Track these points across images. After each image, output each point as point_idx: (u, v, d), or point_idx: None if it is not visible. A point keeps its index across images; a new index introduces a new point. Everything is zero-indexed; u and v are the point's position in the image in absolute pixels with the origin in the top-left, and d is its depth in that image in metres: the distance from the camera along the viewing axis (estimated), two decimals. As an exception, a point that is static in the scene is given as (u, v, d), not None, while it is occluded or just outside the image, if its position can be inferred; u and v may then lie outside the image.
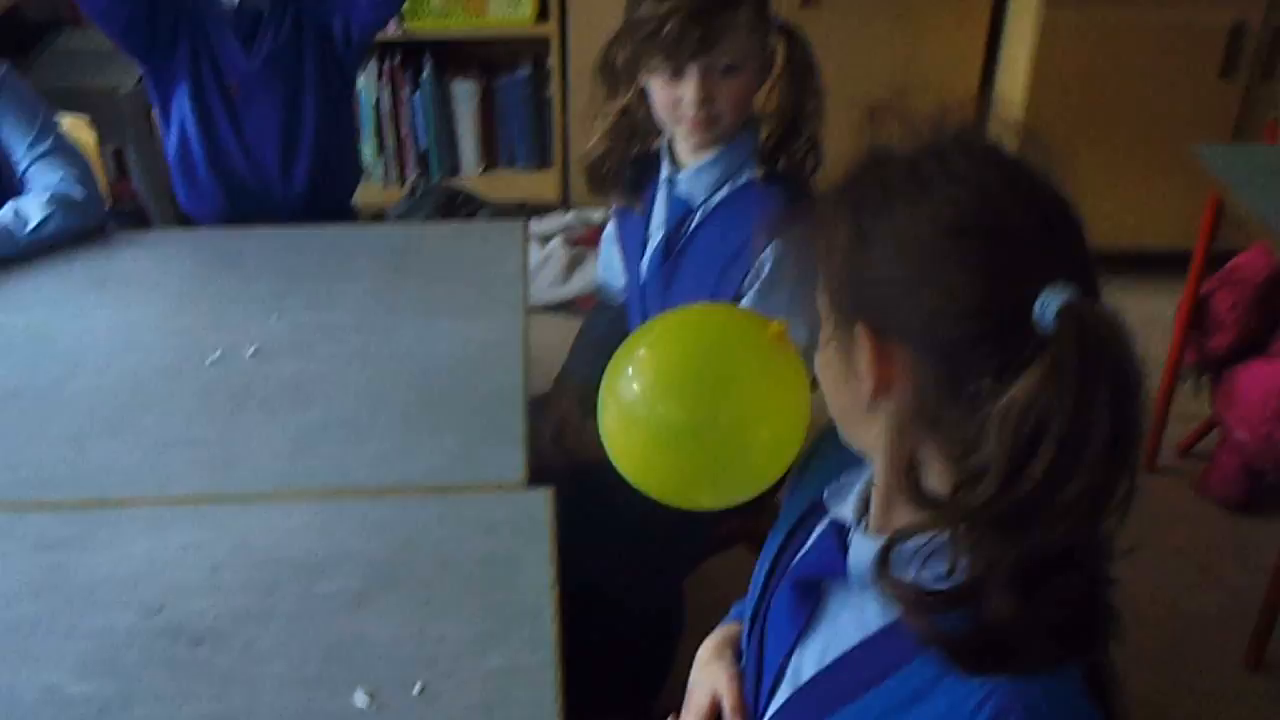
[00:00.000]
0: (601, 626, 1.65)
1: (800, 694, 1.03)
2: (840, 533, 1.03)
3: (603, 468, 1.82)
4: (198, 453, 1.52)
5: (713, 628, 1.30)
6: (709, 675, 1.20)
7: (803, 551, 1.08)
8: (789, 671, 1.05)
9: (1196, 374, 2.70)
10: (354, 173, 2.42)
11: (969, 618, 0.84)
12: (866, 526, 1.00)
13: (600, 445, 1.82)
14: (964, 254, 0.86)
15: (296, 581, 1.32)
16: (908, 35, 3.40)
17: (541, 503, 1.43)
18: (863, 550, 0.97)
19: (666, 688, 1.78)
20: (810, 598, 1.05)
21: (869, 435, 0.96)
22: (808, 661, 1.03)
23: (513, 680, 1.20)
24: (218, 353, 1.71)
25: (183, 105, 2.19)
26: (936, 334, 0.86)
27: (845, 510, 1.02)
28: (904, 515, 0.92)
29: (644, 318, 1.87)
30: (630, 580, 1.74)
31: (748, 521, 1.91)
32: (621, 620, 1.72)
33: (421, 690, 1.18)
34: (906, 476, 0.91)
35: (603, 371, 1.96)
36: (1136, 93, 3.26)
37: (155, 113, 2.27)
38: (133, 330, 1.77)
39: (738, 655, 1.17)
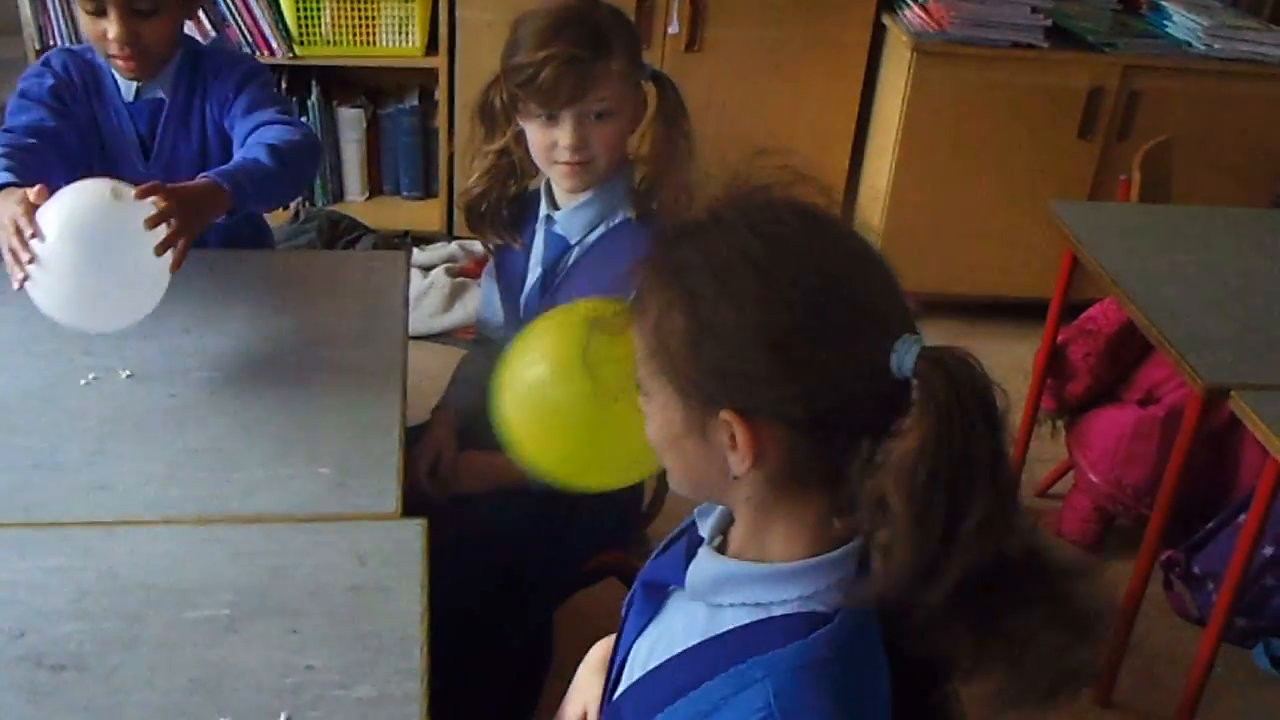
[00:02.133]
0: (471, 657, 1.66)
1: (629, 692, 1.10)
2: (694, 545, 1.09)
3: (477, 500, 1.84)
4: (67, 476, 1.50)
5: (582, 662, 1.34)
6: (587, 686, 1.27)
7: (657, 555, 1.16)
8: (627, 667, 1.13)
9: (1053, 419, 2.82)
10: (263, 229, 2.30)
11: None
12: (719, 546, 1.06)
13: (477, 473, 1.86)
14: (818, 335, 0.91)
15: (164, 609, 1.30)
16: (786, 84, 3.52)
17: (415, 533, 1.43)
18: (703, 566, 1.05)
19: (534, 718, 1.79)
20: (654, 599, 1.12)
21: (731, 498, 1.01)
22: (639, 659, 1.10)
23: (380, 710, 1.20)
24: (91, 375, 1.68)
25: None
26: (805, 410, 0.91)
27: (705, 527, 1.09)
28: (777, 546, 0.99)
29: (522, 353, 1.90)
30: (500, 611, 1.75)
31: (619, 555, 1.94)
32: (491, 651, 1.73)
33: None
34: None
35: (481, 405, 1.99)
36: (1001, 148, 3.42)
37: None
38: (3, 350, 1.73)
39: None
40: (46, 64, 1.99)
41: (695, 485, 1.03)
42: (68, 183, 1.84)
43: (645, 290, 0.98)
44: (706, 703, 0.98)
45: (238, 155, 1.89)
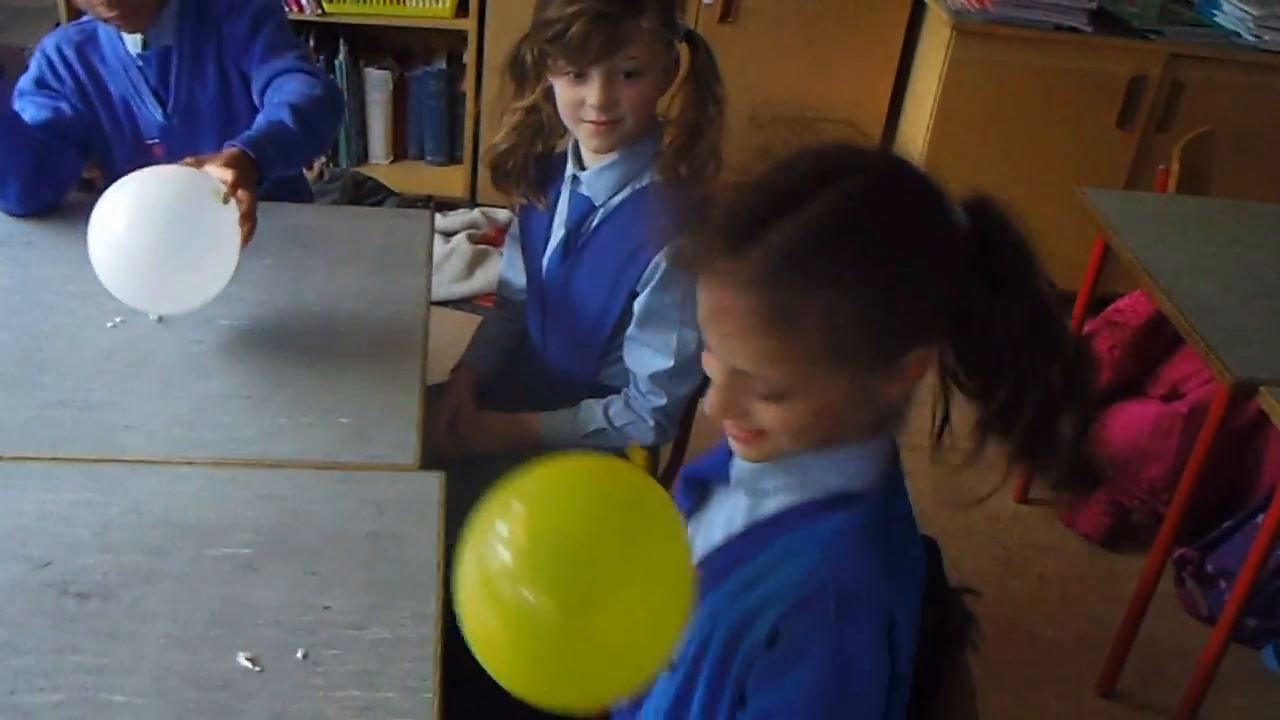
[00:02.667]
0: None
1: None
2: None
3: (495, 457, 1.90)
4: (94, 414, 1.57)
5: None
6: None
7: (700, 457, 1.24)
8: None
9: (1074, 410, 2.85)
10: (298, 179, 2.36)
11: None
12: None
13: (494, 433, 1.92)
14: (939, 237, 1.03)
15: (186, 545, 1.37)
16: (821, 58, 3.54)
17: (433, 485, 1.50)
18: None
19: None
20: (694, 494, 1.21)
21: (856, 429, 1.09)
22: None
23: (395, 651, 1.26)
24: (119, 319, 1.74)
25: (79, 163, 2.06)
26: (951, 306, 1.03)
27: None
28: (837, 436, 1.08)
29: (543, 313, 1.96)
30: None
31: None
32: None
33: (304, 656, 1.24)
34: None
35: (498, 367, 2.04)
36: (1037, 133, 3.42)
37: None
38: (34, 289, 1.80)
39: None
40: (42, 52, 2.04)
41: (824, 438, 1.08)
42: (80, 163, 1.94)
43: (783, 300, 0.99)
44: (754, 572, 1.07)
45: (260, 115, 1.93)
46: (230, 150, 1.76)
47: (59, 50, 2.04)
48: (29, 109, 2.01)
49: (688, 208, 1.11)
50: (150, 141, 2.10)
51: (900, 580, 1.07)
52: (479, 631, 1.01)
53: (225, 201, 1.65)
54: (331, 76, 3.60)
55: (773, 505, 1.12)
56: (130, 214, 1.61)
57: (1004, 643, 2.49)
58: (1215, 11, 3.51)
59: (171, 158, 1.95)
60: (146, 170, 1.66)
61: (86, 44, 2.04)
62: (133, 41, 2.02)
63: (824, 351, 0.99)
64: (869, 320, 0.99)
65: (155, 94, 2.06)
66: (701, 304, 1.04)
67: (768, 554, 1.09)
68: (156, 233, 1.61)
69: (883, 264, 0.99)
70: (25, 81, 2.04)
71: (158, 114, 2.07)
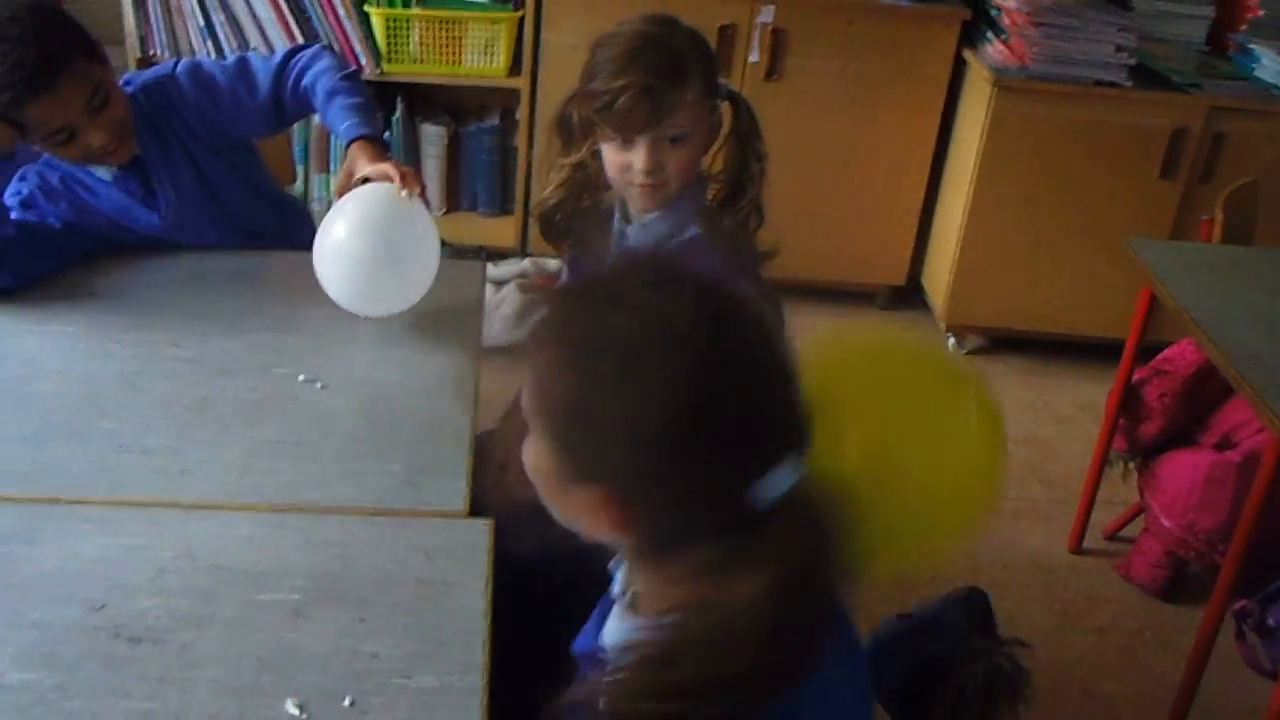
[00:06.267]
0: (527, 665, 1.69)
1: None
2: (609, 606, 1.12)
3: (539, 507, 1.87)
4: (150, 460, 1.56)
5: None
6: None
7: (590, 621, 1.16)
8: None
9: (1125, 460, 2.79)
10: (297, 208, 2.37)
11: None
12: (634, 597, 1.08)
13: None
14: (694, 445, 0.93)
15: (237, 590, 1.35)
16: (865, 115, 3.52)
17: (481, 532, 1.48)
18: (613, 627, 1.08)
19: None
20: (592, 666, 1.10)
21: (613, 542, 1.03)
22: None
23: (441, 699, 1.23)
24: (177, 348, 1.76)
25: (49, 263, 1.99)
26: (670, 507, 0.95)
27: (619, 580, 1.13)
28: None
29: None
30: (561, 618, 1.78)
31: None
32: (548, 660, 1.75)
33: (351, 704, 1.22)
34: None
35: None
36: (1080, 186, 3.40)
37: None
38: (95, 338, 1.80)
39: None
40: (27, 180, 2.00)
41: (573, 525, 1.05)
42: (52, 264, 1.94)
43: (549, 329, 1.02)
44: None
45: (333, 105, 1.97)
46: (359, 145, 1.88)
47: (43, 178, 1.99)
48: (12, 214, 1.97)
49: None
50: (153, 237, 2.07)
51: None
52: None
53: (411, 198, 1.78)
54: (388, 133, 3.64)
55: None
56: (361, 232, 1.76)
57: (1062, 698, 2.40)
58: (1254, 65, 3.48)
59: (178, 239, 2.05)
60: (353, 198, 1.80)
61: (68, 176, 2.00)
62: (103, 169, 1.99)
63: (534, 383, 1.03)
64: (572, 407, 1.00)
65: (144, 203, 2.03)
66: None
67: None
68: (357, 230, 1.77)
69: (620, 396, 0.97)
70: (9, 199, 1.98)
71: (154, 219, 2.03)
